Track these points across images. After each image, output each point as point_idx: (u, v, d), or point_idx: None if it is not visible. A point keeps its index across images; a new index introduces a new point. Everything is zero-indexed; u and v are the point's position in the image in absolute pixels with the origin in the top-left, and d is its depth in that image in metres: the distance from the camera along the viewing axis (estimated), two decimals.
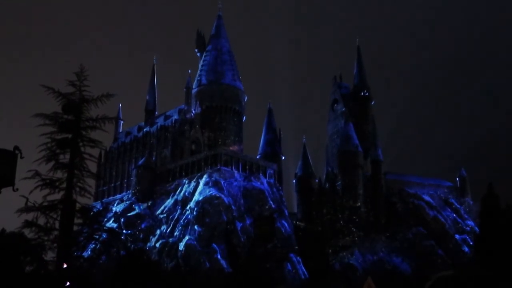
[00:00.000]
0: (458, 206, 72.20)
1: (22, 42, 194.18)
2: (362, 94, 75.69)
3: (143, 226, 58.67)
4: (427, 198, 70.18)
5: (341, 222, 66.38)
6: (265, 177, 61.30)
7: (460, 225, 68.79)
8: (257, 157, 66.30)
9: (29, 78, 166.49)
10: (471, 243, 61.52)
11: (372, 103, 76.73)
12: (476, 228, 61.16)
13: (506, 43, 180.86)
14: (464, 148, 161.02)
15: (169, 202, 59.63)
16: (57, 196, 13.00)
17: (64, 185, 12.99)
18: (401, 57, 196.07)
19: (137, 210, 60.64)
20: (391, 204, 68.07)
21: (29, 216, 12.80)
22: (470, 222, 68.95)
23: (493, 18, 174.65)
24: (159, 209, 59.98)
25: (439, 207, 69.99)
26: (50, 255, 13.06)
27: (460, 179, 75.79)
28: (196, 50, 74.85)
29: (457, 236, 66.66)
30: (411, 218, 66.95)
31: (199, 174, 59.11)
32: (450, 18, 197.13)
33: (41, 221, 12.81)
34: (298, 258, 53.99)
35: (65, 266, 11.85)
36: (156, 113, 75.65)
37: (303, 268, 53.42)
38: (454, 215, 70.25)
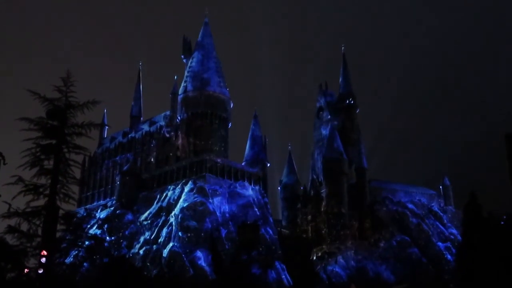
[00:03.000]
0: (441, 214, 72.78)
1: (7, 45, 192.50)
2: (347, 102, 76.15)
3: (126, 232, 58.23)
4: (410, 206, 70.66)
5: (326, 229, 66.59)
6: (250, 184, 61.27)
7: (443, 233, 69.30)
8: (243, 163, 66.23)
9: (12, 83, 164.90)
10: (454, 251, 61.98)
11: (357, 111, 77.24)
12: (459, 236, 61.72)
13: (490, 51, 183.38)
14: (447, 156, 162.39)
15: (154, 208, 59.30)
16: (41, 202, 12.93)
17: (47, 191, 12.91)
18: (386, 65, 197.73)
19: (120, 217, 60.19)
20: (375, 211, 68.42)
21: (12, 222, 12.70)
22: (453, 230, 69.52)
23: (478, 26, 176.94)
24: (143, 215, 59.62)
25: (423, 215, 70.49)
26: (32, 262, 12.95)
27: (443, 187, 76.48)
28: (182, 56, 74.71)
29: (440, 244, 67.12)
30: (395, 225, 67.36)
31: (184, 181, 58.90)
32: (435, 27, 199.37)
33: (24, 227, 12.73)
34: (283, 265, 53.92)
35: (40, 271, 11.71)
36: (142, 119, 75.29)
37: (287, 275, 53.37)
38: (437, 223, 70.78)
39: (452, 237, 68.45)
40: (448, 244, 67.12)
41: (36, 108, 13.27)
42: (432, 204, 73.56)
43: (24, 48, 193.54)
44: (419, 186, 76.33)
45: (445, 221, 71.70)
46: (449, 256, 64.60)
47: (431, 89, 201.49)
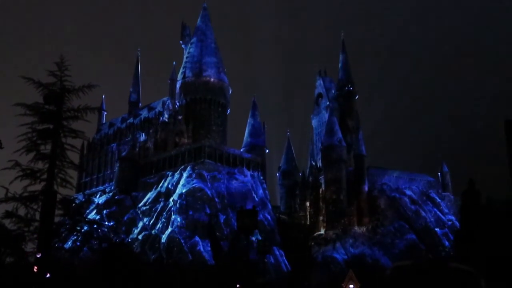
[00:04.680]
0: (439, 200, 72.92)
1: (2, 32, 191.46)
2: (347, 88, 75.98)
3: (125, 218, 58.38)
4: (409, 192, 70.80)
5: (324, 215, 66.81)
6: (249, 170, 61.32)
7: (441, 219, 69.52)
8: (241, 150, 66.26)
9: (8, 68, 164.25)
10: (451, 238, 62.20)
11: (356, 97, 77.08)
12: (457, 223, 61.93)
13: (490, 42, 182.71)
14: (446, 143, 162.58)
15: (152, 194, 59.41)
16: (38, 187, 12.89)
17: (45, 176, 12.87)
18: (385, 52, 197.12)
19: (119, 202, 60.31)
20: (373, 198, 68.55)
21: (9, 207, 12.67)
22: (451, 217, 69.71)
23: (479, 17, 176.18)
24: (142, 201, 59.73)
25: (421, 202, 70.64)
26: (30, 246, 12.95)
27: (442, 174, 76.56)
28: (181, 42, 74.47)
29: (438, 231, 67.35)
30: (393, 212, 67.51)
31: (182, 167, 58.92)
32: (435, 14, 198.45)
33: (21, 212, 12.70)
34: (281, 251, 54.16)
35: (39, 255, 11.70)
36: (140, 105, 75.17)
37: (285, 260, 53.63)
38: (435, 209, 70.95)
39: (450, 223, 68.67)
40: (446, 230, 67.35)
41: (32, 94, 13.20)
42: (430, 191, 73.69)
43: (20, 35, 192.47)
44: (417, 173, 76.40)
45: (443, 207, 71.89)
46: (446, 243, 64.86)
47: (430, 76, 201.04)
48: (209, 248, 51.44)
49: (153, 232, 54.51)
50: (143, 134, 67.12)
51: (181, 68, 71.63)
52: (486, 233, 30.97)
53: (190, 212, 53.12)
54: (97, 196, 65.16)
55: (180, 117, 66.74)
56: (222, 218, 53.96)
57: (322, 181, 68.73)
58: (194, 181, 55.69)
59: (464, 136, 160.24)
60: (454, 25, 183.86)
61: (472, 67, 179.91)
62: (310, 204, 70.05)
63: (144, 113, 69.91)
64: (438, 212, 70.51)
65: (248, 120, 70.84)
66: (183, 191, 54.83)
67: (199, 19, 74.88)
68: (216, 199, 55.20)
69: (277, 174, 77.63)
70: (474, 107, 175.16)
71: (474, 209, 33.61)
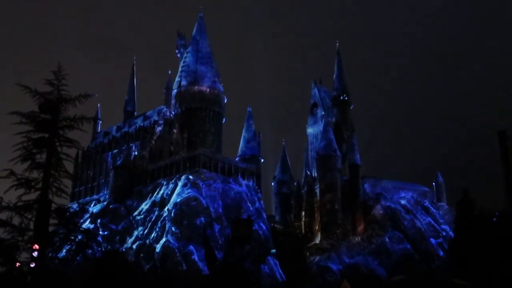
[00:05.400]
0: (434, 210, 73.02)
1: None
2: (342, 98, 76.20)
3: (120, 227, 58.15)
4: (403, 202, 70.88)
5: (319, 225, 66.76)
6: (244, 179, 61.29)
7: (435, 229, 69.58)
8: (236, 159, 66.24)
9: (4, 76, 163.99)
10: (446, 247, 62.23)
11: (351, 107, 77.31)
12: (451, 233, 61.99)
13: (486, 44, 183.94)
14: (440, 153, 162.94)
15: (147, 203, 59.23)
16: (33, 196, 12.87)
17: (40, 185, 12.85)
18: (380, 63, 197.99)
19: (114, 211, 60.07)
20: (368, 208, 68.58)
21: (3, 216, 12.64)
22: (446, 227, 69.79)
23: (472, 26, 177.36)
24: (136, 210, 59.54)
25: (416, 211, 70.71)
26: (24, 256, 12.90)
27: (437, 184, 76.74)
28: (176, 51, 74.61)
29: (432, 240, 67.39)
30: (388, 222, 67.53)
31: (177, 176, 58.83)
32: (430, 23, 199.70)
33: (16, 221, 12.67)
34: (276, 260, 54.04)
35: (32, 265, 11.66)
36: (135, 113, 75.12)
37: (280, 270, 53.50)
38: (430, 219, 71.02)
39: (444, 233, 68.74)
40: (441, 240, 67.42)
41: (27, 103, 13.19)
42: (425, 201, 73.81)
43: (16, 43, 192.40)
44: (412, 182, 76.55)
45: (438, 217, 71.98)
46: (441, 252, 64.88)
47: (424, 86, 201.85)
48: (204, 258, 51.27)
49: (147, 241, 54.31)
50: (138, 143, 67.02)
51: (177, 77, 71.73)
52: (480, 243, 31.05)
53: (185, 222, 52.97)
54: (92, 205, 64.91)
55: (175, 126, 66.75)
56: (217, 227, 53.83)
57: (317, 190, 68.75)
58: (189, 190, 55.59)
59: (459, 146, 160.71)
60: (451, 33, 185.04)
61: (461, 77, 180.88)
62: (305, 213, 70.01)
63: (139, 122, 69.85)
64: (432, 222, 70.58)
65: (243, 129, 70.88)
66: (178, 200, 54.71)
67: (194, 29, 75.11)
68: (211, 209, 55.08)
69: (272, 184, 77.61)
70: (469, 118, 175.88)
71: (468, 219, 33.72)
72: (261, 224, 56.60)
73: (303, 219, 69.87)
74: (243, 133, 70.40)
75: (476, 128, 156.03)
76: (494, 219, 34.03)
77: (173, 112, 67.94)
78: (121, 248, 53.46)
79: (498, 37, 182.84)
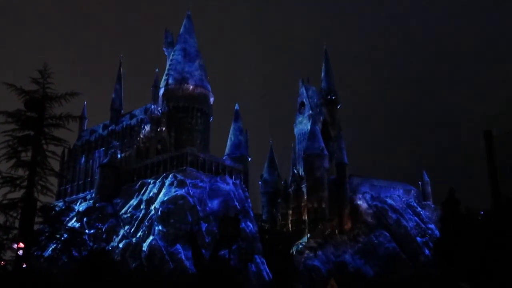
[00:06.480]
0: (420, 209, 73.52)
1: None
2: (329, 97, 76.46)
3: (106, 225, 57.82)
4: (390, 201, 71.27)
5: (306, 224, 66.92)
6: (231, 178, 61.24)
7: (421, 228, 70.03)
8: (224, 158, 66.17)
9: None
10: (432, 246, 62.65)
11: (339, 107, 77.60)
12: (437, 232, 62.47)
13: (472, 52, 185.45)
14: (427, 152, 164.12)
15: (134, 202, 58.96)
16: (18, 194, 12.76)
17: (25, 183, 12.75)
18: (367, 63, 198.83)
19: (100, 210, 59.71)
20: (355, 206, 68.89)
21: None
22: (432, 226, 70.28)
23: (465, 26, 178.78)
24: (123, 209, 59.24)
25: (402, 211, 71.13)
26: (9, 255, 12.81)
27: (422, 183, 77.30)
28: (164, 49, 74.33)
29: (418, 239, 67.83)
30: (374, 221, 67.88)
31: (164, 174, 58.63)
32: (418, 26, 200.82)
33: (0, 219, 12.57)
34: (263, 259, 54.07)
35: (24, 266, 11.61)
36: (122, 112, 74.68)
37: (267, 269, 53.54)
38: (416, 218, 71.48)
39: (430, 232, 69.22)
40: (426, 239, 67.87)
41: (14, 102, 13.10)
42: (411, 200, 74.29)
43: (2, 43, 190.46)
44: (398, 181, 77.00)
45: (423, 216, 72.47)
46: (427, 251, 65.33)
47: (411, 87, 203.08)
48: (191, 256, 51.14)
49: (134, 240, 54.08)
50: (125, 141, 66.67)
51: (164, 76, 71.45)
52: (465, 242, 31.30)
53: (172, 220, 52.81)
54: (78, 204, 64.47)
55: (162, 125, 66.50)
56: (204, 226, 53.72)
57: (304, 189, 68.94)
58: (176, 188, 55.44)
59: (445, 145, 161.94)
60: (438, 36, 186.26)
61: (446, 76, 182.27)
62: (292, 212, 70.17)
63: (126, 120, 69.48)
64: (418, 221, 71.05)
65: (231, 128, 70.81)
66: (165, 198, 54.53)
67: (182, 27, 74.87)
68: (198, 207, 54.96)
69: (259, 182, 77.68)
70: (456, 117, 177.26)
71: (454, 218, 33.96)
72: (248, 222, 56.56)
73: (290, 218, 70.02)
74: (231, 132, 70.34)
75: (464, 128, 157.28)
76: (479, 218, 34.33)
77: (160, 111, 67.67)
78: (108, 247, 53.13)
79: (487, 34, 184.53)
